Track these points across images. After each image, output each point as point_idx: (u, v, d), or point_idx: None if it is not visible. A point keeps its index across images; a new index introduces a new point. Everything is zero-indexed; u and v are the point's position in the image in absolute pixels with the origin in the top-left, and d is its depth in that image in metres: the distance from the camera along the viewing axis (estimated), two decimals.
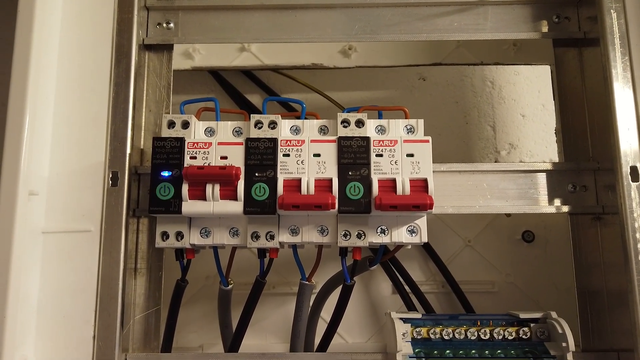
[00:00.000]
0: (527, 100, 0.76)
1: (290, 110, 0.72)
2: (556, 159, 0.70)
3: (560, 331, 0.43)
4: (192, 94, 0.75)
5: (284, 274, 0.67)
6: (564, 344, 0.43)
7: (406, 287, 0.64)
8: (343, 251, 0.47)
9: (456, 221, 0.69)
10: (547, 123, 0.76)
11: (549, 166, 0.50)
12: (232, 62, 0.71)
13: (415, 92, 0.76)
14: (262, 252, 0.47)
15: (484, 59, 0.71)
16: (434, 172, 0.48)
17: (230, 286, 0.50)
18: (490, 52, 0.70)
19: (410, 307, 0.63)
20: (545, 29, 0.53)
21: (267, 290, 0.66)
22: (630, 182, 0.45)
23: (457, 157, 0.74)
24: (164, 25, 0.54)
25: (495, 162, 0.74)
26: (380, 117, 0.48)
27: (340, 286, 0.49)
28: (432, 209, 0.42)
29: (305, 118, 0.48)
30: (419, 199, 0.42)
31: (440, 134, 0.74)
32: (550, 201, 0.50)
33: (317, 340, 0.53)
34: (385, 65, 0.70)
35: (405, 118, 0.47)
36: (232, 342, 0.50)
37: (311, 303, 0.55)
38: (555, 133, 0.72)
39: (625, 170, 0.45)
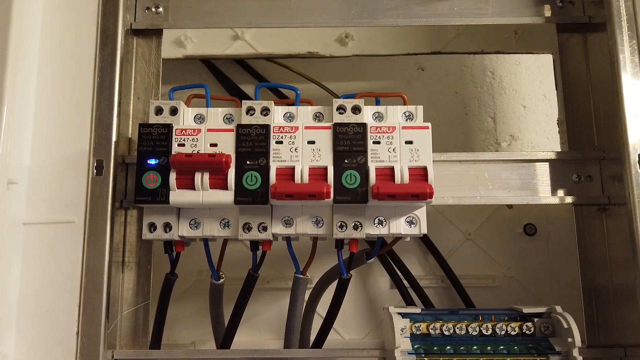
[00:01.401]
0: (529, 91, 0.75)
1: (284, 98, 0.70)
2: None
3: (565, 326, 0.42)
4: (184, 83, 0.73)
5: (279, 268, 0.65)
6: (569, 340, 0.41)
7: (405, 282, 0.62)
8: (339, 243, 0.45)
9: (456, 214, 0.67)
10: (548, 114, 0.74)
11: (552, 155, 0.48)
12: (225, 51, 0.69)
13: (414, 82, 0.75)
14: (254, 245, 0.45)
15: (484, 48, 0.69)
16: (433, 161, 0.46)
17: (221, 280, 0.48)
18: (490, 41, 0.68)
19: (409, 302, 0.61)
20: (548, 14, 0.51)
21: (261, 285, 0.65)
22: (639, 170, 0.43)
23: (457, 149, 0.71)
24: (153, 9, 0.52)
25: None
26: (377, 103, 0.46)
27: (337, 280, 0.47)
28: (432, 198, 0.40)
29: (300, 105, 0.46)
30: (418, 187, 0.40)
31: (439, 125, 0.73)
32: (554, 192, 0.48)
33: (313, 336, 0.51)
34: (382, 54, 0.68)
35: (404, 105, 0.45)
36: (224, 339, 0.48)
37: (307, 298, 0.54)
38: (557, 124, 0.70)
39: (634, 158, 0.43)
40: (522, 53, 0.70)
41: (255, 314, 0.64)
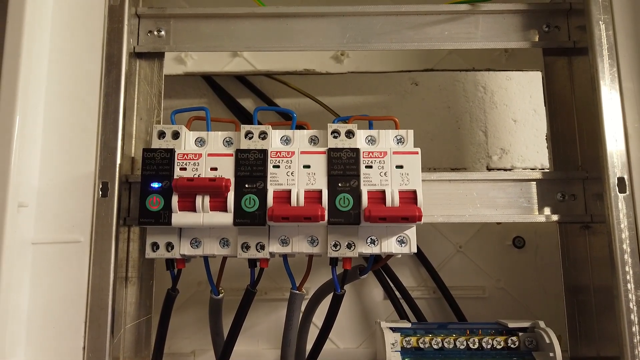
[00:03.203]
0: (519, 106, 0.77)
1: (285, 116, 0.72)
2: (547, 165, 0.70)
3: (547, 341, 0.44)
4: (184, 98, 0.75)
5: (277, 280, 0.67)
6: (551, 354, 0.43)
7: (397, 293, 0.64)
8: (333, 261, 0.47)
9: (447, 227, 0.69)
10: (538, 128, 0.76)
11: (538, 175, 0.51)
12: (225, 68, 0.71)
13: (408, 97, 0.77)
14: (252, 262, 0.47)
15: (475, 65, 0.71)
16: (424, 180, 0.48)
17: (221, 295, 0.50)
18: (481, 58, 0.71)
19: (401, 313, 0.63)
20: (535, 38, 0.53)
21: (259, 296, 0.66)
22: (618, 193, 0.45)
23: (449, 162, 0.74)
24: (155, 33, 0.54)
25: (487, 167, 0.74)
26: (370, 127, 0.48)
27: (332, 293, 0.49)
28: (420, 220, 0.42)
29: (297, 127, 0.48)
30: (407, 210, 0.42)
31: (432, 139, 0.75)
32: (540, 210, 0.50)
33: (309, 346, 0.53)
34: (377, 72, 0.70)
35: (396, 128, 0.47)
36: (223, 352, 0.50)
37: (303, 310, 0.56)
38: (546, 139, 0.72)
39: (613, 181, 0.45)
40: (512, 70, 0.73)
41: (254, 325, 0.67)
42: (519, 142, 0.76)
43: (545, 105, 0.57)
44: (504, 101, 0.77)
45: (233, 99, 0.74)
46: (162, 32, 0.54)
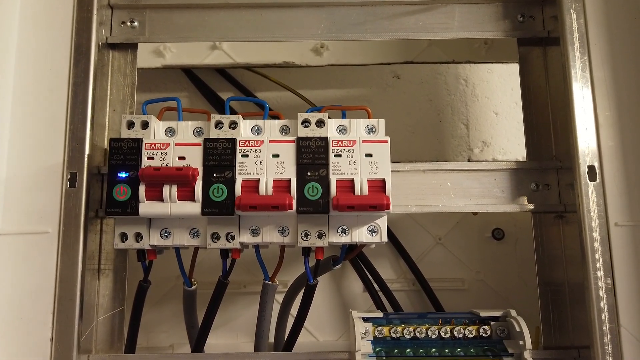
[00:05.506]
0: (500, 98, 0.77)
1: (261, 107, 0.71)
2: None
3: (518, 329, 0.44)
4: (164, 91, 0.75)
5: (255, 272, 0.67)
6: (521, 342, 0.43)
7: (375, 286, 0.64)
8: (306, 251, 0.47)
9: (427, 219, 0.69)
10: (519, 121, 0.75)
11: (512, 165, 0.51)
12: (204, 60, 0.71)
13: (390, 90, 0.76)
14: (224, 253, 0.47)
15: (455, 57, 0.71)
16: (398, 171, 0.48)
17: (194, 287, 0.50)
18: (461, 51, 0.70)
19: (379, 305, 0.63)
20: (510, 28, 0.53)
21: (237, 289, 0.66)
22: (588, 181, 0.45)
23: (431, 155, 0.74)
24: (128, 24, 0.53)
25: (469, 159, 0.74)
26: (343, 116, 0.48)
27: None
28: (389, 208, 0.42)
29: (270, 117, 0.48)
30: (376, 199, 0.42)
31: (413, 132, 0.75)
32: (514, 200, 0.50)
33: None
34: (356, 64, 0.70)
35: (368, 118, 0.47)
36: (197, 343, 0.50)
37: (280, 302, 0.56)
38: None
39: (583, 169, 0.45)
40: (491, 62, 0.73)
41: (232, 318, 0.66)
42: (501, 134, 0.76)
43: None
44: (485, 94, 0.77)
45: (213, 92, 0.73)
46: (136, 23, 0.54)
